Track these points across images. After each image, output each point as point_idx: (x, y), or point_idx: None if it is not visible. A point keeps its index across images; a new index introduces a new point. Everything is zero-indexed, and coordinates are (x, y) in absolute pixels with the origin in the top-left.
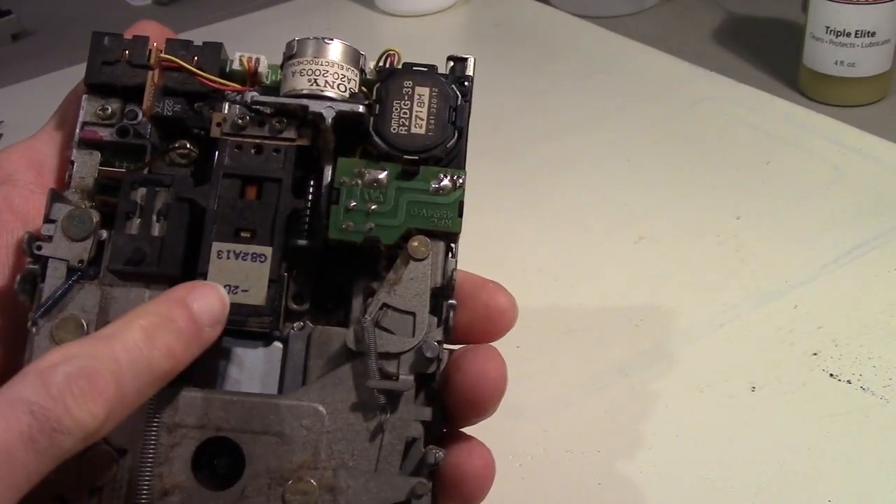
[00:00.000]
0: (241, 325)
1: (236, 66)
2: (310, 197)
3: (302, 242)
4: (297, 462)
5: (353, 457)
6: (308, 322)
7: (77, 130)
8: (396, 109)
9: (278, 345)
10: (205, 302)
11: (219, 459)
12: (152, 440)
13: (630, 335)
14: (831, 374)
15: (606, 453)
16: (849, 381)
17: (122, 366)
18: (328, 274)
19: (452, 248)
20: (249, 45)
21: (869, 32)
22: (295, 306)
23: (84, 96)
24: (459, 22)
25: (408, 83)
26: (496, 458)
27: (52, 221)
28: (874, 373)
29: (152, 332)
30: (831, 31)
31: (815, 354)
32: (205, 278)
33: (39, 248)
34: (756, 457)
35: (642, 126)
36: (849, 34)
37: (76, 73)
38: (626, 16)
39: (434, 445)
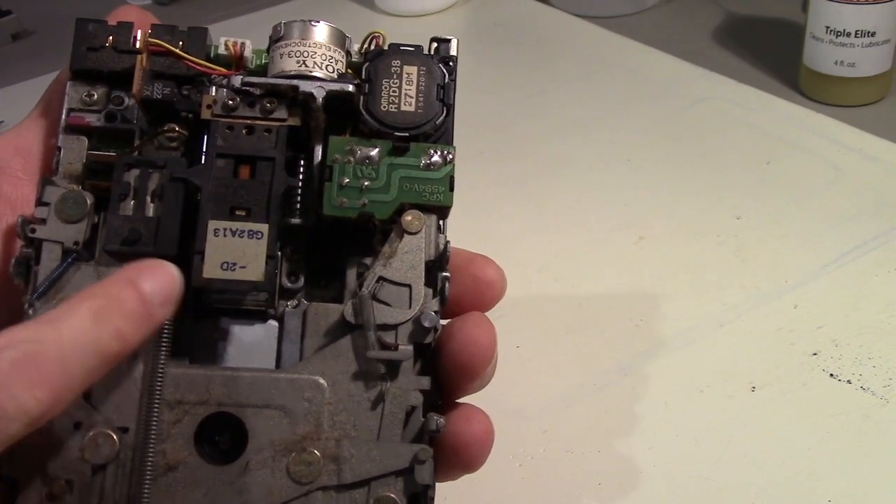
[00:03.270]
0: (237, 304)
1: (222, 50)
2: (301, 176)
3: (295, 221)
4: (299, 434)
5: (355, 427)
6: (302, 299)
7: (63, 117)
8: (386, 88)
9: (274, 323)
10: (155, 282)
11: (221, 436)
12: (154, 417)
13: (630, 335)
14: (831, 374)
15: (606, 453)
16: (849, 381)
17: (67, 349)
18: (321, 251)
19: (441, 225)
20: None
21: (869, 32)
22: (289, 284)
23: (69, 83)
24: (459, 22)
25: (396, 62)
26: (496, 459)
27: (46, 205)
28: (874, 373)
29: (100, 314)
30: (831, 31)
31: (815, 354)
32: (202, 256)
33: (33, 230)
34: (756, 457)
35: (642, 126)
36: (849, 34)
37: None
38: (626, 16)
39: (434, 413)
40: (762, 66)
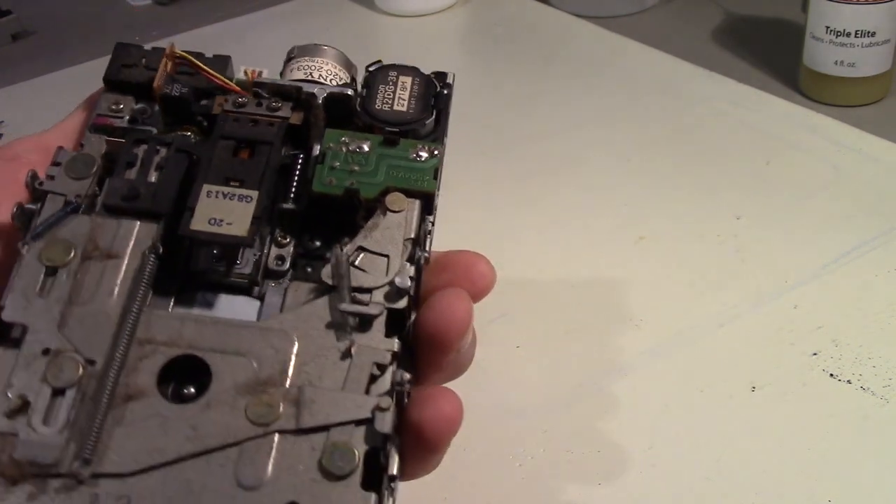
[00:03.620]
0: (222, 276)
1: (240, 76)
2: (298, 167)
3: (288, 206)
4: (263, 378)
5: (320, 378)
6: (287, 281)
7: (92, 120)
8: (381, 92)
9: (256, 300)
10: None
11: (188, 388)
12: (121, 349)
13: (630, 335)
14: (831, 374)
15: (606, 453)
16: (849, 381)
17: None
18: (310, 238)
19: (430, 220)
20: (249, 45)
21: (869, 32)
22: (275, 267)
23: (102, 94)
24: (459, 22)
25: (393, 73)
26: (496, 459)
27: (57, 164)
28: (874, 373)
29: None
30: (831, 31)
31: (815, 354)
32: (192, 213)
33: (41, 183)
34: (756, 457)
35: (642, 126)
36: (849, 34)
37: (76, 73)
38: (626, 16)
39: (400, 369)
40: (762, 66)
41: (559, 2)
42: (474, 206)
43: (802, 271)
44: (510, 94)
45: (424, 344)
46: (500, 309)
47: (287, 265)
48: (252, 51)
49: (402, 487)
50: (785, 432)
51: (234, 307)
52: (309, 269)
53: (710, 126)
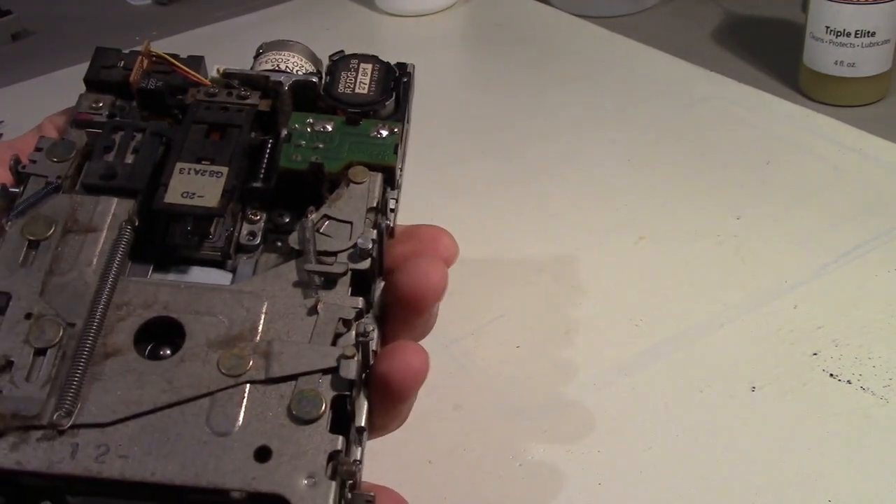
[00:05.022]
0: (195, 252)
1: (213, 74)
2: (268, 150)
3: (257, 184)
4: (234, 335)
5: (288, 334)
6: (258, 254)
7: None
8: (344, 77)
9: (229, 273)
10: None
11: (164, 349)
12: (99, 312)
13: (630, 335)
14: (831, 374)
15: (606, 453)
16: (849, 381)
17: None
18: (279, 214)
19: (393, 195)
20: (248, 45)
21: (869, 32)
22: (246, 242)
23: (81, 93)
24: (459, 22)
25: (354, 61)
26: (496, 459)
27: (39, 150)
28: (874, 373)
29: None
30: (831, 31)
31: (815, 354)
32: (166, 189)
33: (24, 167)
34: (756, 457)
35: (643, 126)
36: (849, 34)
37: (76, 73)
38: (626, 16)
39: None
40: (762, 66)
41: (559, 2)
42: (474, 206)
43: (802, 271)
44: (510, 94)
45: (399, 306)
46: (500, 309)
47: (258, 240)
48: (252, 51)
49: (399, 488)
50: (785, 432)
51: (208, 279)
52: (279, 244)
53: (710, 126)
